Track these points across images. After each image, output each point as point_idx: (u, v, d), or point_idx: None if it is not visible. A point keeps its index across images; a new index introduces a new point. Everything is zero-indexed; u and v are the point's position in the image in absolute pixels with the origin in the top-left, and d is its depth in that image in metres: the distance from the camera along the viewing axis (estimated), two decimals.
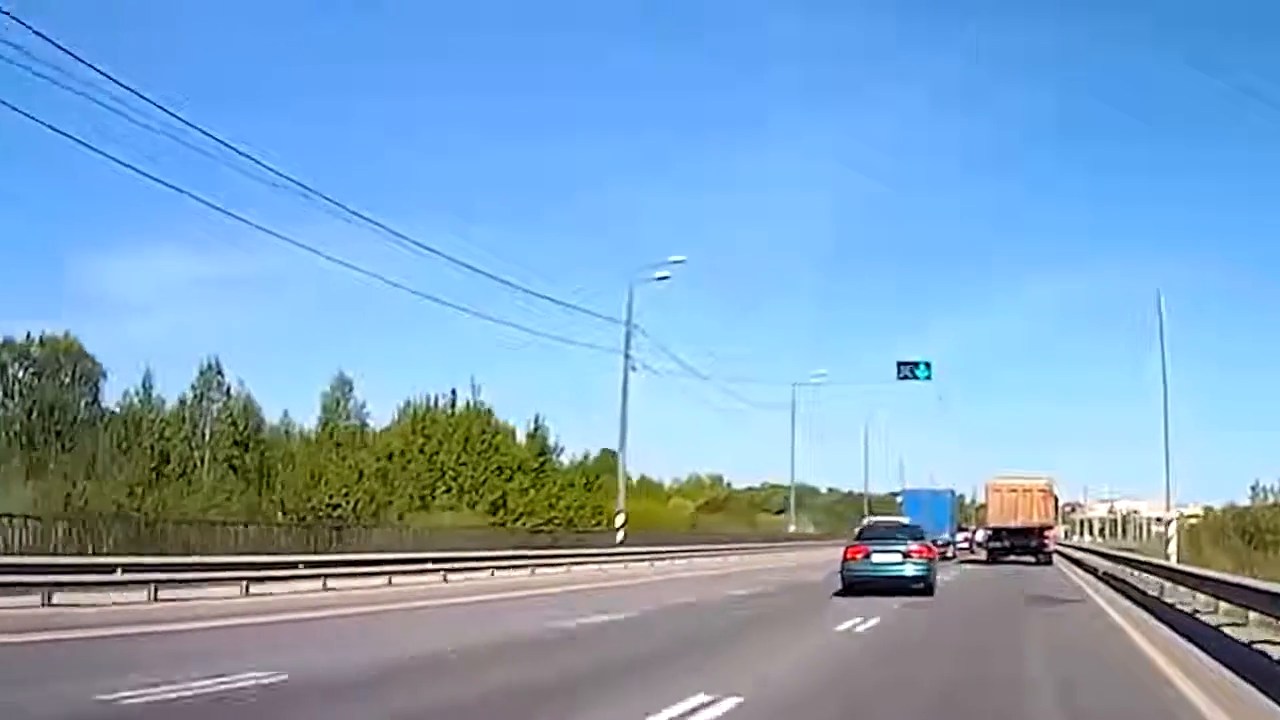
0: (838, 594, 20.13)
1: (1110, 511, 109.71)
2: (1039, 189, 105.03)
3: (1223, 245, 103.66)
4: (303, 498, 32.42)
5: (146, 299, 77.08)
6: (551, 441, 44.26)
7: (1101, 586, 25.86)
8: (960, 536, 54.12)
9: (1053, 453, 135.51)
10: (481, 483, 35.62)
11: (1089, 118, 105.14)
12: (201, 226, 51.37)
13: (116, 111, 17.78)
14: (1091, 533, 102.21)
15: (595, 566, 31.69)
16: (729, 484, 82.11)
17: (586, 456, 47.31)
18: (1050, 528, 46.34)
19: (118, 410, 36.68)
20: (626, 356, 32.75)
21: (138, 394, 36.59)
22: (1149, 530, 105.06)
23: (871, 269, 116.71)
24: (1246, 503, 44.22)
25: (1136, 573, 24.43)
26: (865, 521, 23.55)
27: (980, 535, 55.78)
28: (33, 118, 17.20)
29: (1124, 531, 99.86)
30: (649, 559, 34.75)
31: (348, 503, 32.32)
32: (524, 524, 35.24)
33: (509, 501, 36.51)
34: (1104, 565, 32.87)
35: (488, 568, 25.88)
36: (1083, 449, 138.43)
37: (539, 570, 28.08)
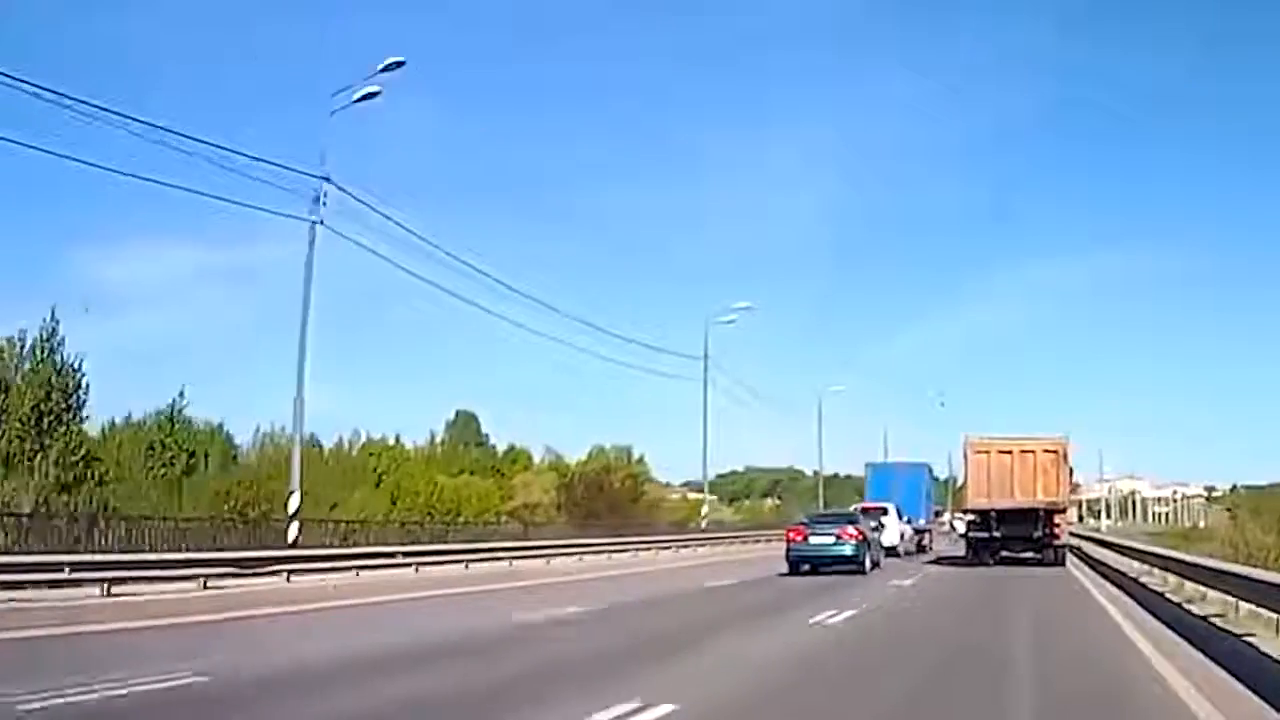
0: (783, 575, 23.02)
1: (1109, 492, 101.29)
2: (1038, 180, 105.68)
3: (1221, 238, 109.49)
4: None
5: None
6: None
7: None
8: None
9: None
10: None
11: (1086, 110, 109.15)
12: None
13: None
14: (1110, 516, 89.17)
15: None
16: (640, 456, 60.74)
17: None
18: (1062, 510, 29.68)
19: None
20: None
21: None
22: (1149, 511, 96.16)
23: (869, 264, 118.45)
24: None
25: None
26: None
27: (952, 520, 42.51)
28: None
29: (1135, 514, 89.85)
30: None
31: None
32: None
33: None
34: None
35: None
36: (1076, 430, 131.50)
37: None
